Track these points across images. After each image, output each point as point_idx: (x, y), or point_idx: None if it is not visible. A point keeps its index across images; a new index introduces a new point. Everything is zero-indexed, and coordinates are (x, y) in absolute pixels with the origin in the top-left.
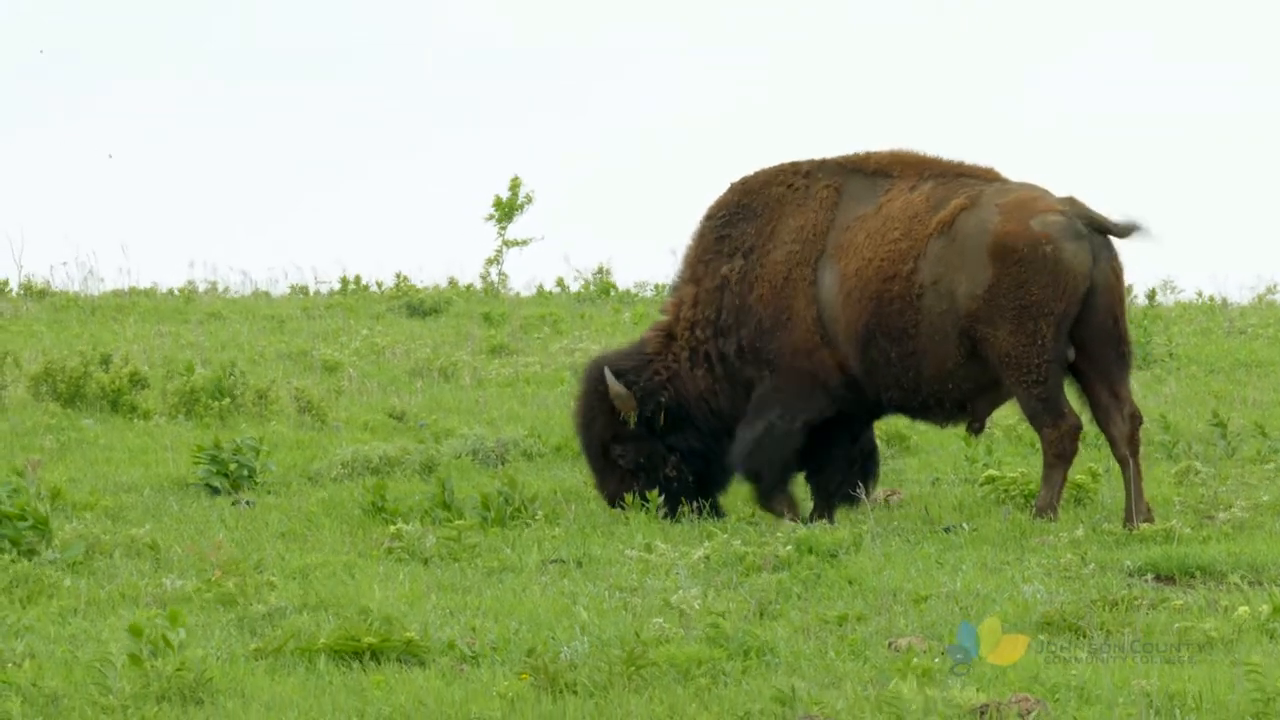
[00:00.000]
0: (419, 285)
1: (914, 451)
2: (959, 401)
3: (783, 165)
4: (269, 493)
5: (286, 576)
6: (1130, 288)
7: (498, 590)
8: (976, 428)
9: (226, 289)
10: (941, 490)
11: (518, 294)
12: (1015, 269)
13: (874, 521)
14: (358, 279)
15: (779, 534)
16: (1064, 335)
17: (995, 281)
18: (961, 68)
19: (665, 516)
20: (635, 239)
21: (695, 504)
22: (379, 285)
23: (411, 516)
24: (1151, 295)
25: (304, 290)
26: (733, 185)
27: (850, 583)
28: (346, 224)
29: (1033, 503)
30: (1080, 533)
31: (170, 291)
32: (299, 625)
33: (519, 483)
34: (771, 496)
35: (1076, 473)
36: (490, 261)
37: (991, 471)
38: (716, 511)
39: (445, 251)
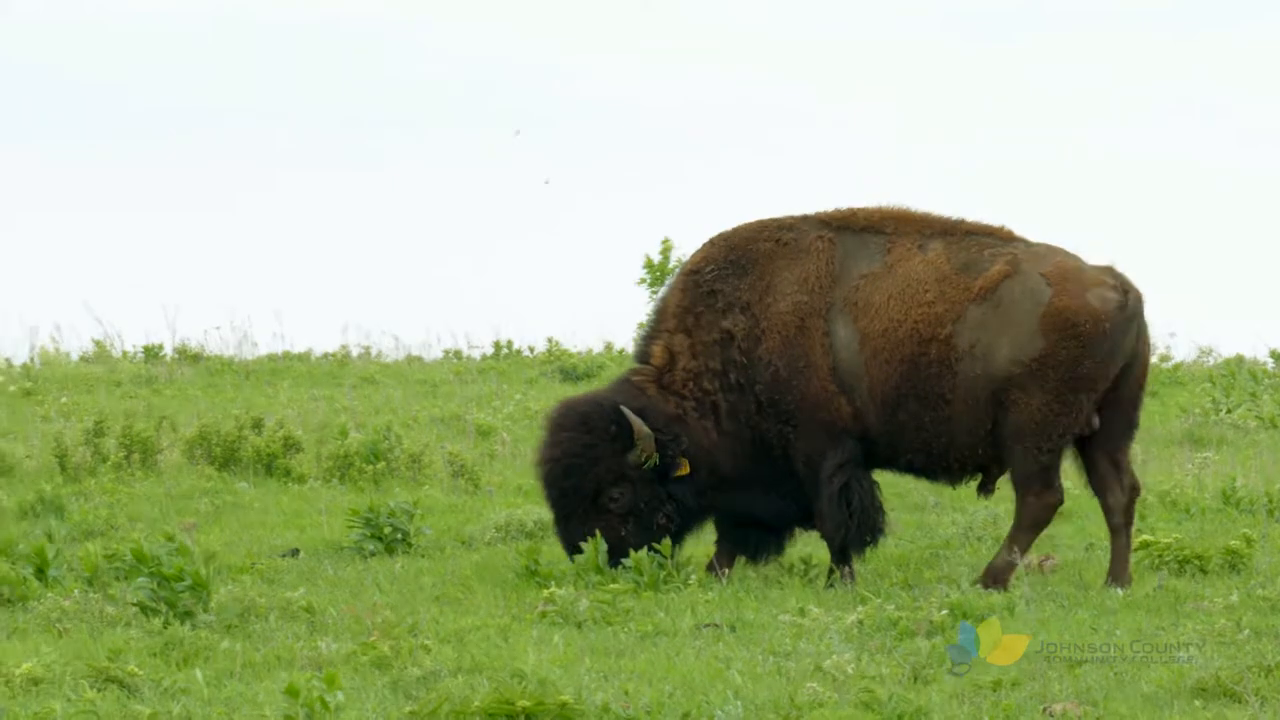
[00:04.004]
0: (571, 349)
1: (1068, 517)
2: (981, 465)
3: (764, 221)
4: (423, 556)
5: (441, 640)
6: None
7: (651, 654)
8: (989, 489)
9: (380, 353)
10: (1095, 555)
11: None
12: (1072, 343)
13: (1028, 587)
14: (510, 343)
15: (933, 599)
16: (1094, 406)
17: (1048, 352)
18: (962, 68)
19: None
20: None
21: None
22: (531, 350)
23: (565, 580)
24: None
25: (457, 354)
26: (714, 240)
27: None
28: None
29: (1186, 567)
30: (1235, 598)
31: (324, 356)
32: (453, 689)
33: (672, 547)
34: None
35: (1231, 538)
36: (641, 325)
37: (1145, 537)
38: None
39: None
